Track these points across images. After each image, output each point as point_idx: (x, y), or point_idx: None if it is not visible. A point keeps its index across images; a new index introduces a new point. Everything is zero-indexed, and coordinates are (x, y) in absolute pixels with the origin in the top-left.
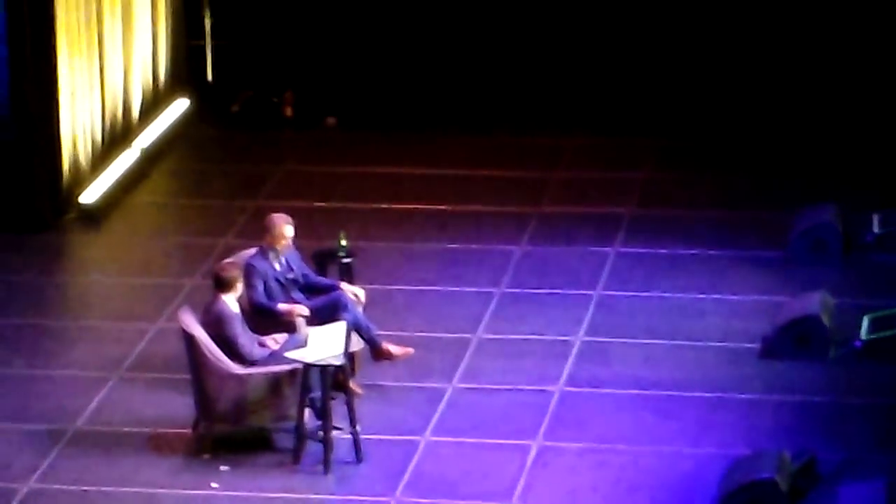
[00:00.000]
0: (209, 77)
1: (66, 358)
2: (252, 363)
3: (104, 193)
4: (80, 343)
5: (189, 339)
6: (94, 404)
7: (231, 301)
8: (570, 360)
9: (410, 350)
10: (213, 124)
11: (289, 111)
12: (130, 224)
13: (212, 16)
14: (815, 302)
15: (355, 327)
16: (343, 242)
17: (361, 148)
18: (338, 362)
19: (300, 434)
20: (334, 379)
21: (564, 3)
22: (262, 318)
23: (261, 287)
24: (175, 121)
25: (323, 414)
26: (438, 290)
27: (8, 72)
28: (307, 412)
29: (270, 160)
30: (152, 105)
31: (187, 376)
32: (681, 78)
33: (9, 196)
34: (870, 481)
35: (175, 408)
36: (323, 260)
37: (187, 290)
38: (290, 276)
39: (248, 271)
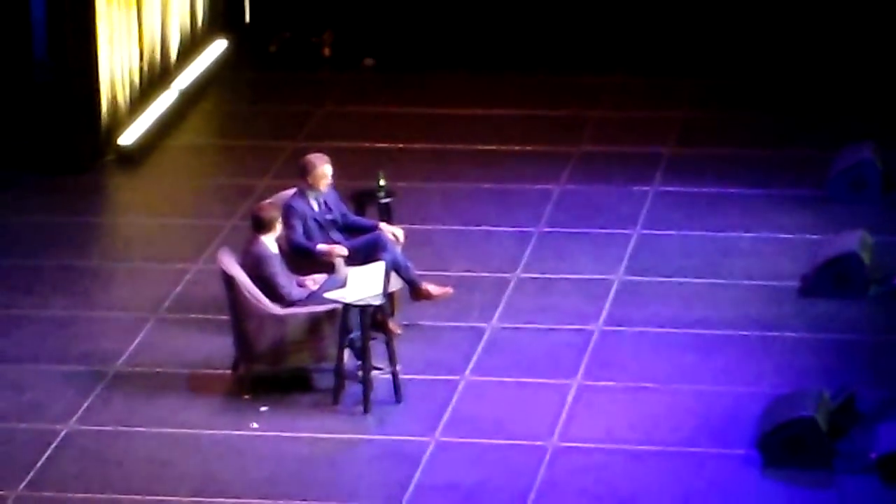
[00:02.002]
0: (247, 18)
1: (106, 299)
2: (291, 304)
3: (142, 135)
4: (120, 284)
5: (228, 280)
6: (133, 346)
7: (270, 242)
8: (609, 299)
9: (450, 290)
10: (251, 65)
11: (327, 52)
12: (169, 166)
13: None
14: (855, 240)
15: (394, 267)
16: (382, 182)
17: (399, 88)
18: (377, 302)
19: (339, 374)
20: (373, 319)
21: None
22: (301, 258)
23: (300, 227)
24: (213, 62)
25: (362, 354)
26: (477, 230)
27: (46, 14)
28: (346, 352)
29: (309, 101)
30: (190, 46)
31: (227, 317)
32: (720, 17)
33: (48, 138)
34: None
35: (215, 349)
36: (362, 200)
37: (226, 232)
38: (329, 216)
39: (287, 212)
